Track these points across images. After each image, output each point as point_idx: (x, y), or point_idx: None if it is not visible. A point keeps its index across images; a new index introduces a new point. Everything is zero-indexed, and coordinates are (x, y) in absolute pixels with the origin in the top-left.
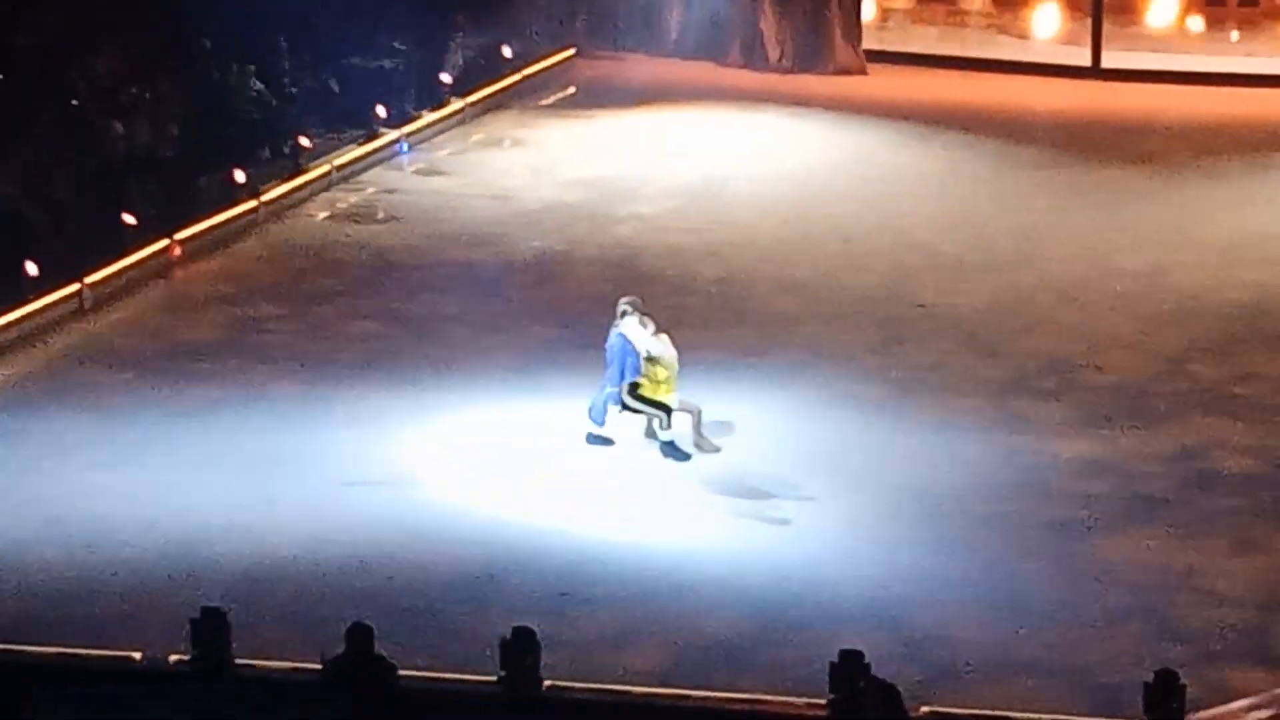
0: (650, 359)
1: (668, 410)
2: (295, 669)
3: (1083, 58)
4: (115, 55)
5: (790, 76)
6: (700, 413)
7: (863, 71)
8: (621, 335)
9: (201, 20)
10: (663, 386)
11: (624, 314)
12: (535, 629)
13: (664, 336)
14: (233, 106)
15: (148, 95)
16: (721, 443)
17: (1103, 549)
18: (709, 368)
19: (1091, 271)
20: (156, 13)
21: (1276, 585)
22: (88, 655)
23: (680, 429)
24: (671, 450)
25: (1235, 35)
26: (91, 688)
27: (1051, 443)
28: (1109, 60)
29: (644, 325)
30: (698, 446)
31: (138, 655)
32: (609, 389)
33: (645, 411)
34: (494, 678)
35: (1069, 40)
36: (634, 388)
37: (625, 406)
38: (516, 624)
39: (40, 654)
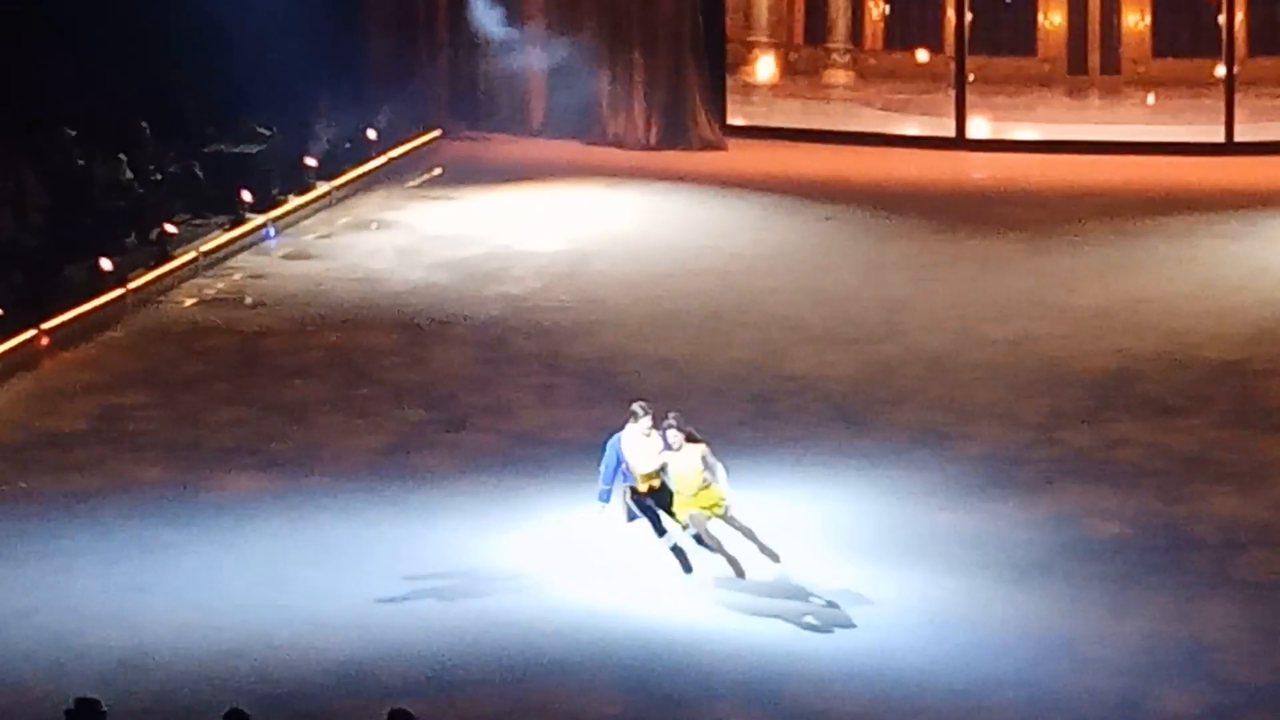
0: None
1: (655, 517)
2: None
3: (947, 128)
4: None
5: (654, 154)
6: (751, 531)
7: (723, 147)
8: (616, 438)
9: (63, 106)
10: (680, 497)
11: (633, 417)
12: (411, 711)
13: (685, 448)
14: (96, 194)
15: (10, 184)
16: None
17: (980, 618)
18: (582, 448)
19: (958, 342)
20: (17, 100)
21: (1152, 650)
22: None
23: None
24: (677, 554)
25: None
26: None
27: (925, 514)
28: (973, 130)
29: (649, 434)
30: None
31: None
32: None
33: (640, 514)
34: None
35: (933, 111)
36: (632, 491)
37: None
38: (394, 706)
39: None
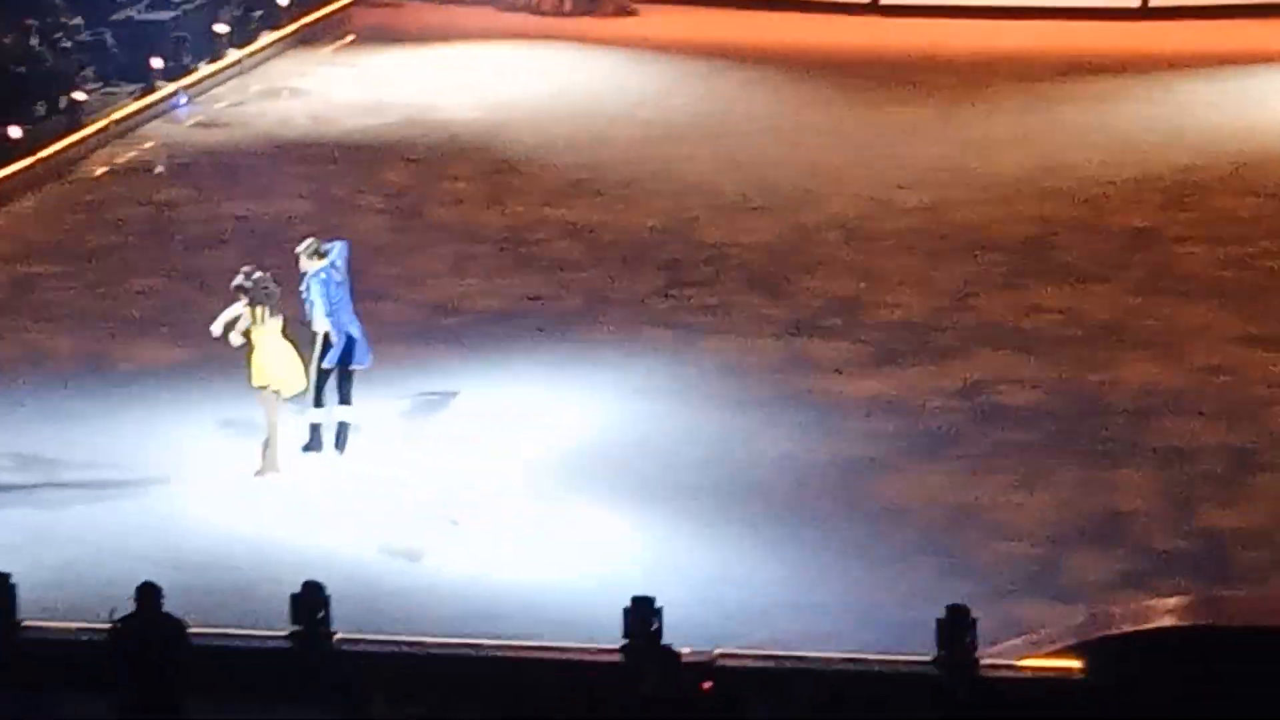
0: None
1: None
2: (84, 629)
3: None
4: None
5: (566, 20)
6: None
7: (634, 13)
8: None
9: None
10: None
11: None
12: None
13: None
14: (5, 62)
15: None
16: (510, 391)
17: (892, 486)
18: (493, 317)
19: (873, 209)
20: None
21: (1064, 519)
22: None
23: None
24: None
25: None
26: None
27: (839, 382)
28: None
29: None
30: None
31: None
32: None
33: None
34: (285, 632)
35: None
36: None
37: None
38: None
39: None
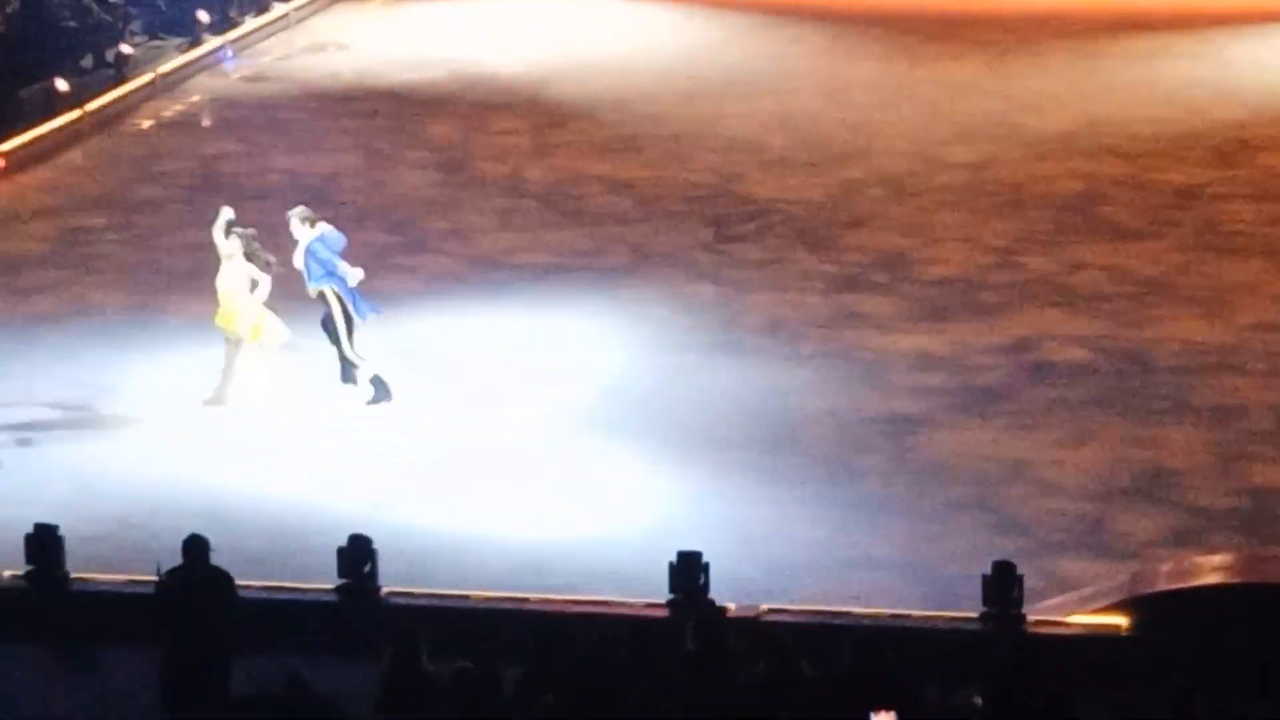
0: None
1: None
2: (132, 581)
3: None
4: None
5: None
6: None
7: None
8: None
9: None
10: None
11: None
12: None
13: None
14: (53, 16)
15: None
16: (557, 345)
17: (938, 443)
18: (539, 271)
19: (921, 165)
20: None
21: (1111, 475)
22: None
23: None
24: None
25: None
26: None
27: (886, 338)
28: None
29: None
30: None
31: None
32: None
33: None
34: (332, 586)
35: None
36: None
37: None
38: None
39: None
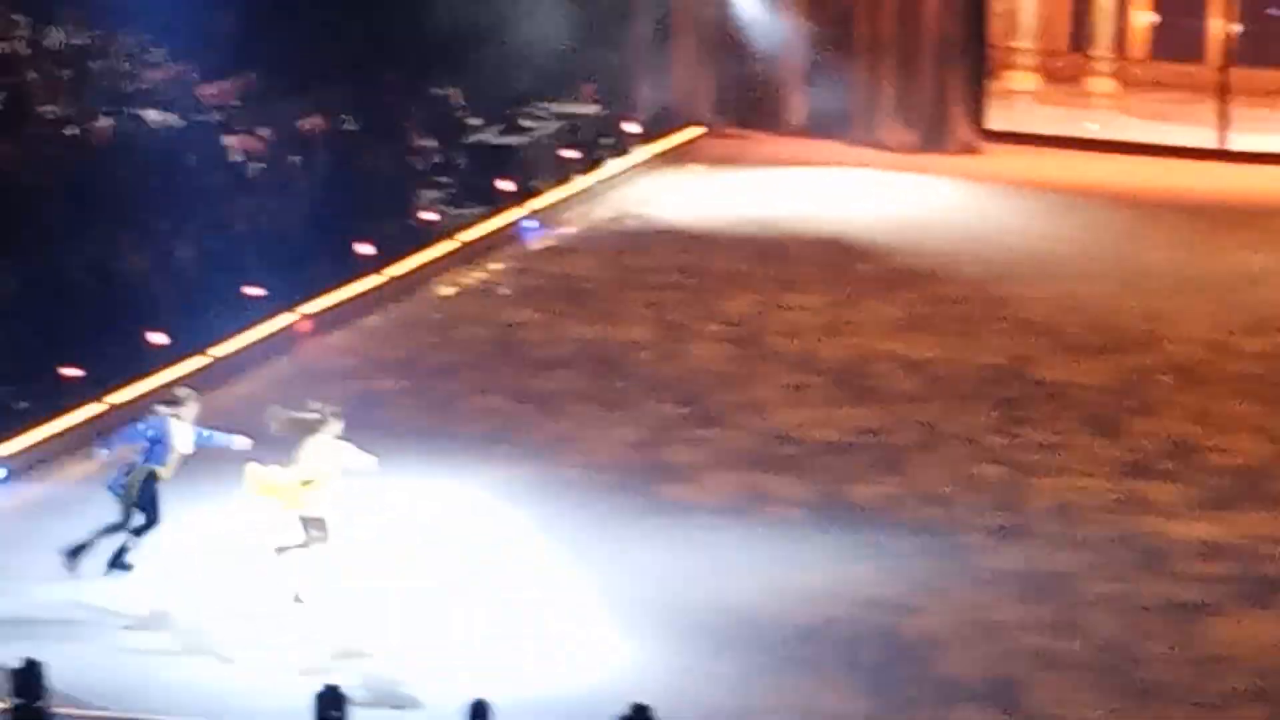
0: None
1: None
2: None
3: (1209, 139)
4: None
5: (913, 156)
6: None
7: (981, 151)
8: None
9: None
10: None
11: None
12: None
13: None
14: (365, 181)
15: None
16: (847, 519)
17: (1222, 631)
18: (830, 448)
19: (1213, 353)
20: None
21: None
22: None
23: None
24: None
25: None
26: None
27: (1171, 524)
28: (1235, 142)
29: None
30: None
31: None
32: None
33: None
34: None
35: (1195, 122)
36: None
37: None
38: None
39: None
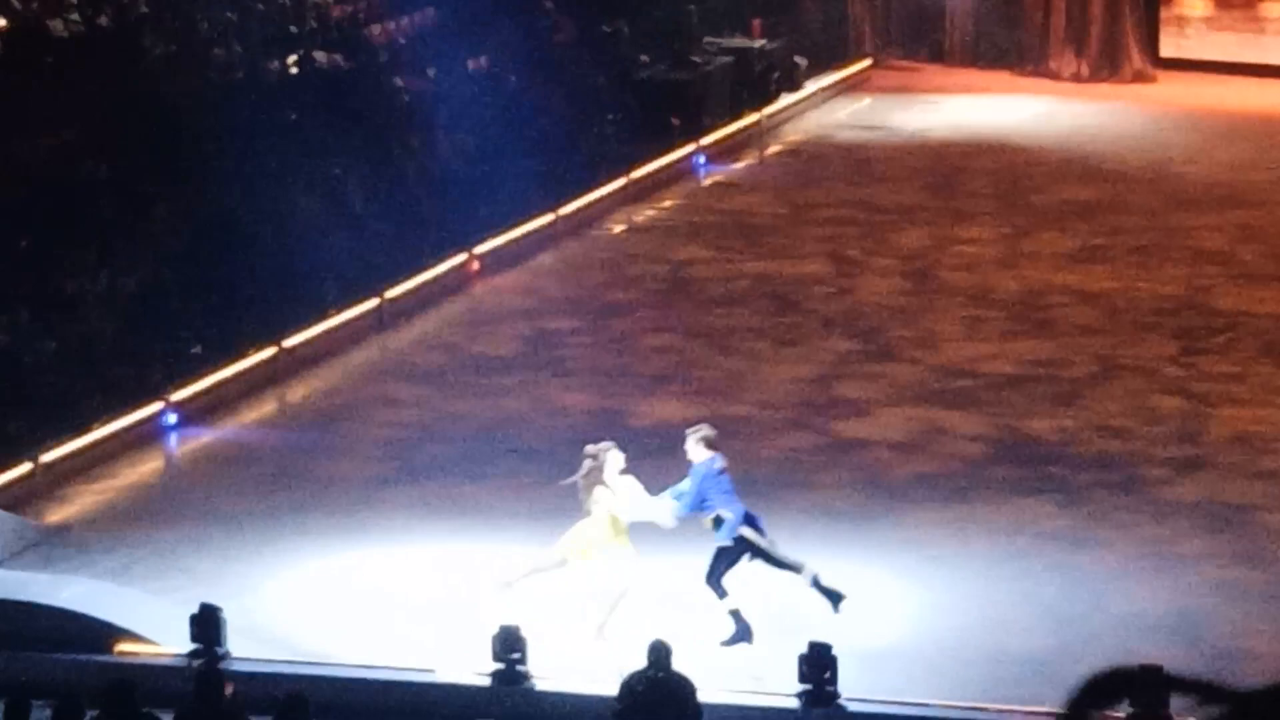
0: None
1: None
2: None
3: None
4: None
5: (1085, 84)
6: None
7: (1153, 79)
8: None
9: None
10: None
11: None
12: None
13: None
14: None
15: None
16: (1022, 453)
17: None
18: (1005, 380)
19: None
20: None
21: None
22: None
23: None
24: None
25: None
26: None
27: None
28: None
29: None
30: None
31: None
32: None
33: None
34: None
35: None
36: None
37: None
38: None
39: None
